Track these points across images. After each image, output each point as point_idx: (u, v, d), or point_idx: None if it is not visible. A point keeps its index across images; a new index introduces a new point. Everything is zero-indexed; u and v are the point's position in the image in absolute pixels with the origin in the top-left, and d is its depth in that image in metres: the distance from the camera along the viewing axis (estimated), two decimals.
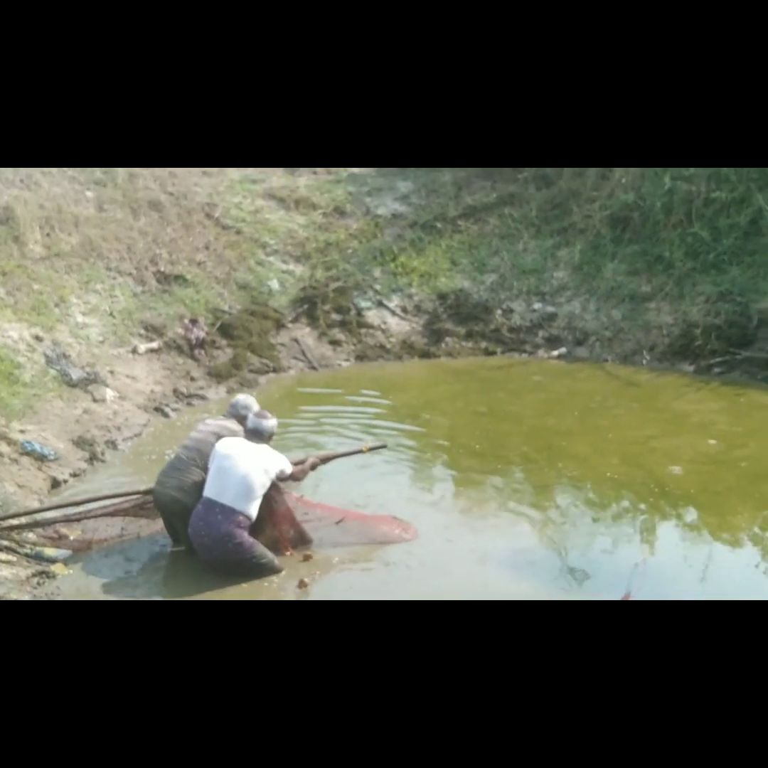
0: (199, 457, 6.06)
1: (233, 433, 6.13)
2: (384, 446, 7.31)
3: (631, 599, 4.86)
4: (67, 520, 6.27)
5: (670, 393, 9.36)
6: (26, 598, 5.41)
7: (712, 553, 6.19)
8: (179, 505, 5.98)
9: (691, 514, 6.82)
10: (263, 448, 5.96)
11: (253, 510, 5.80)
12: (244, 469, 5.78)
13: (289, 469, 6.01)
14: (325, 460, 6.61)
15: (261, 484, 5.81)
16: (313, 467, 6.41)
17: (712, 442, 8.00)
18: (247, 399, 6.51)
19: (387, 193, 12.10)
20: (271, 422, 6.08)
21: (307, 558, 6.05)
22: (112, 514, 6.28)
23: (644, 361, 10.01)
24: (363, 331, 10.56)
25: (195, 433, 6.32)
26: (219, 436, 6.12)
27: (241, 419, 6.26)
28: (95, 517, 6.27)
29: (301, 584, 5.74)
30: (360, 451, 6.94)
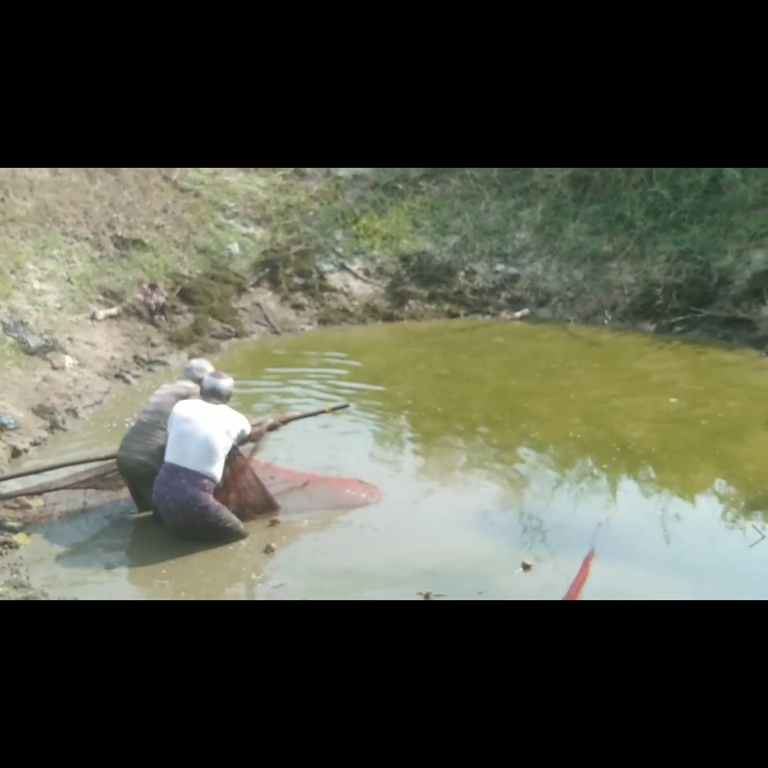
0: (162, 419, 6.00)
1: (192, 392, 6.07)
2: (347, 406, 7.26)
3: (594, 557, 4.91)
4: (28, 492, 6.20)
5: (632, 352, 9.43)
6: None
7: (674, 511, 6.27)
8: (146, 469, 5.93)
9: (652, 473, 6.89)
10: (222, 409, 5.91)
11: (218, 472, 5.75)
12: (205, 431, 5.72)
13: (249, 429, 5.96)
14: (285, 421, 6.54)
15: (223, 446, 5.76)
16: (272, 428, 6.32)
17: (673, 400, 8.09)
18: (201, 362, 6.50)
19: None
20: (227, 381, 6.03)
21: (273, 523, 6.03)
22: (73, 487, 6.21)
23: (606, 321, 10.06)
24: (326, 294, 10.50)
25: (154, 398, 6.27)
26: (179, 397, 6.06)
27: (198, 382, 6.20)
28: (57, 489, 6.20)
29: (268, 549, 5.73)
30: (323, 412, 6.89)
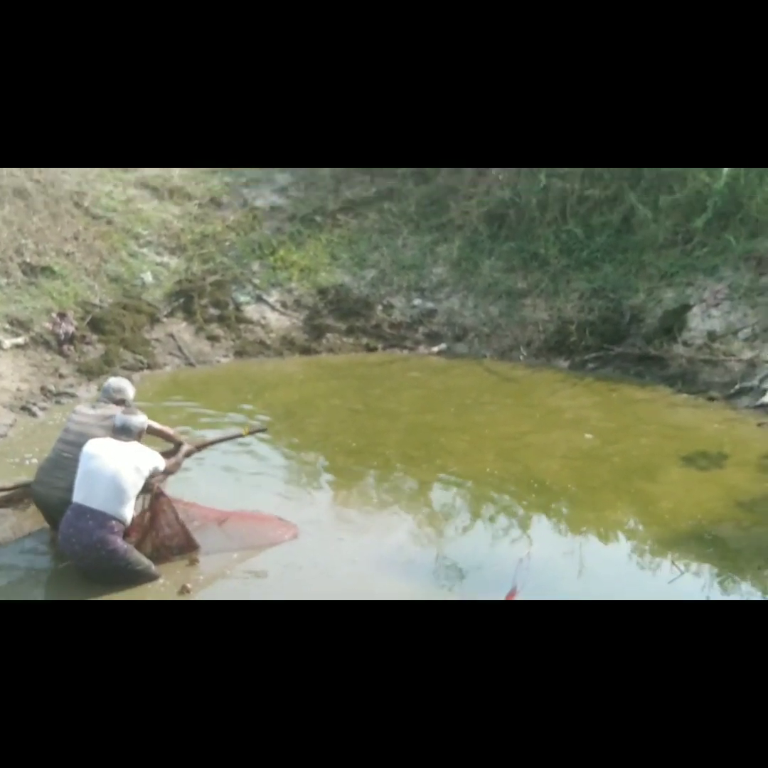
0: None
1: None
2: (264, 429, 7.09)
3: (517, 596, 4.88)
4: None
5: (546, 388, 9.53)
6: None
7: (594, 549, 6.29)
8: (68, 505, 5.61)
9: (569, 509, 6.92)
10: (133, 446, 5.64)
11: (127, 513, 5.50)
12: (113, 468, 5.46)
13: (162, 465, 5.72)
14: (200, 447, 6.33)
15: (133, 484, 5.51)
16: (189, 455, 6.12)
17: (588, 436, 8.18)
18: (119, 381, 6.13)
19: (265, 184, 11.89)
20: (140, 419, 5.76)
21: (192, 562, 5.82)
22: None
23: (521, 357, 10.16)
24: (242, 326, 10.35)
25: (74, 425, 5.85)
26: (103, 426, 5.73)
27: (118, 403, 5.91)
28: None
29: (183, 590, 5.52)
30: (240, 435, 6.69)
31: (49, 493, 5.73)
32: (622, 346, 9.86)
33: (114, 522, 5.44)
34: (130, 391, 6.08)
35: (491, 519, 6.78)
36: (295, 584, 5.62)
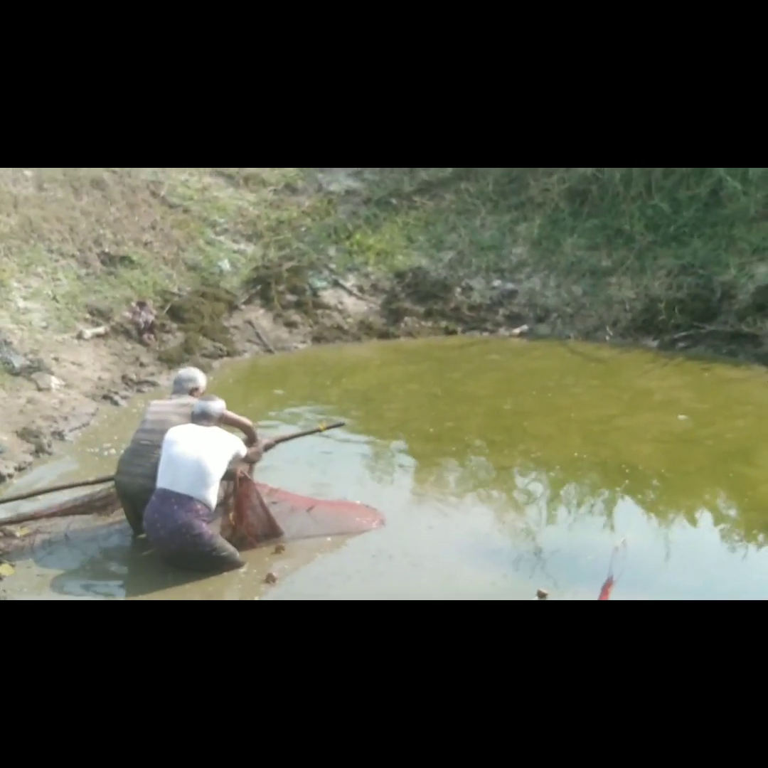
0: (162, 438, 5.67)
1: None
2: (342, 424, 7.01)
3: (613, 586, 4.65)
4: (12, 521, 5.88)
5: (634, 370, 9.20)
6: None
7: (694, 536, 6.01)
8: (149, 492, 5.58)
9: (664, 495, 6.64)
10: (214, 431, 5.64)
11: (211, 497, 5.46)
12: (196, 453, 5.44)
13: (244, 450, 5.69)
14: (279, 440, 6.28)
15: (216, 468, 5.47)
16: (267, 448, 6.07)
17: (682, 417, 7.84)
18: (189, 371, 6.21)
19: (339, 168, 11.73)
20: (218, 403, 5.77)
21: (278, 550, 5.74)
22: (63, 514, 5.90)
23: (607, 338, 9.83)
24: (319, 311, 10.23)
25: (151, 415, 5.93)
26: (181, 414, 5.76)
27: (191, 392, 5.95)
28: (46, 517, 5.88)
29: (269, 579, 5.42)
30: (317, 430, 6.61)
31: (132, 481, 5.75)
32: (713, 324, 9.45)
33: (199, 505, 5.41)
34: (201, 380, 6.12)
35: (583, 504, 6.54)
36: (382, 576, 5.47)
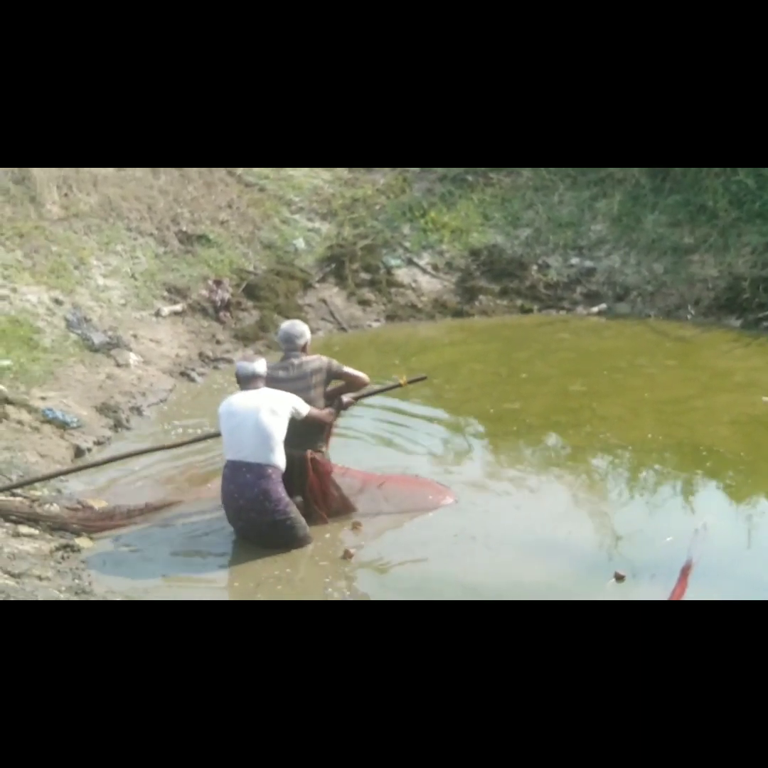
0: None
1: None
2: (424, 378, 6.79)
3: (693, 568, 4.52)
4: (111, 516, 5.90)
5: (714, 350, 8.96)
6: (49, 573, 5.13)
7: None
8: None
9: (745, 479, 6.42)
10: (263, 392, 5.58)
11: (279, 459, 5.45)
12: (253, 418, 5.43)
13: (303, 407, 5.58)
14: (358, 398, 6.14)
15: (277, 428, 5.43)
16: (346, 407, 6.00)
17: (765, 399, 7.59)
18: (294, 326, 6.02)
19: None
20: (261, 363, 5.70)
21: (355, 526, 5.73)
22: (156, 510, 5.93)
23: (689, 316, 9.58)
24: (393, 290, 10.18)
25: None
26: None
27: (303, 349, 5.91)
28: (140, 514, 5.90)
29: (346, 555, 5.42)
30: (398, 385, 6.47)
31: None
32: None
33: (270, 469, 5.43)
34: (308, 333, 6.02)
35: (659, 485, 6.38)
36: (465, 556, 5.41)
